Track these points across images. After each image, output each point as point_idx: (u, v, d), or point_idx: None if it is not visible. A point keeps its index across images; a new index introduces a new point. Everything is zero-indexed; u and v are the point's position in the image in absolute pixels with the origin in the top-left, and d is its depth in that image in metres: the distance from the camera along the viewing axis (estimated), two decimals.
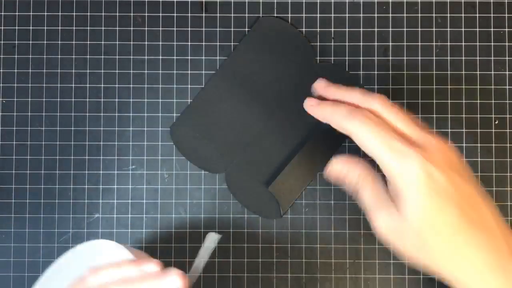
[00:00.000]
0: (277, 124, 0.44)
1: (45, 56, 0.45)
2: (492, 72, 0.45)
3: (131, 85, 0.45)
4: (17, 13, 0.45)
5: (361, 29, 0.45)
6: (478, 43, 0.45)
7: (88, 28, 0.45)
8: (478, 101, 0.45)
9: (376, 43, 0.45)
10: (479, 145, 0.44)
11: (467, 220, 0.32)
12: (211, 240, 0.38)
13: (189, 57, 0.45)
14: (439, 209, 0.32)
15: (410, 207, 0.32)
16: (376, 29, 0.45)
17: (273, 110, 0.44)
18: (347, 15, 0.45)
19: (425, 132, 0.34)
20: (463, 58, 0.45)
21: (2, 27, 0.45)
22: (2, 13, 0.45)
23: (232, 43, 0.45)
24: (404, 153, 0.32)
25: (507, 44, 0.45)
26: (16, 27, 0.45)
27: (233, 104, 0.44)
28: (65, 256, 0.38)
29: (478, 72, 0.45)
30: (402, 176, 0.32)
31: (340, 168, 0.37)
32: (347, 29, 0.45)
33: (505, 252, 0.32)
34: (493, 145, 0.44)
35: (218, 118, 0.44)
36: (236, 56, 0.45)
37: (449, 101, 0.45)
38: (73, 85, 0.45)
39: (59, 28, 0.45)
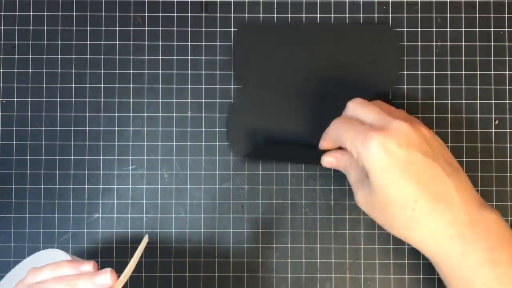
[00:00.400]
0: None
1: (45, 56, 0.45)
2: (492, 72, 0.45)
3: (131, 85, 0.45)
4: (17, 13, 0.45)
5: None
6: (478, 43, 0.45)
7: (88, 28, 0.45)
8: (478, 101, 0.45)
9: None
10: (479, 145, 0.44)
11: (424, 192, 0.35)
12: (144, 241, 0.39)
13: (189, 57, 0.45)
14: (396, 183, 0.35)
15: (373, 183, 0.36)
16: None
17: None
18: (347, 15, 0.45)
19: (389, 116, 0.36)
20: (463, 58, 0.45)
21: (2, 27, 0.45)
22: (2, 13, 0.45)
23: (232, 43, 0.45)
24: (365, 136, 0.35)
25: (507, 44, 0.45)
26: (16, 27, 0.45)
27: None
28: (14, 268, 0.41)
29: (478, 72, 0.45)
30: (365, 156, 0.35)
31: (331, 160, 0.41)
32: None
33: (465, 222, 0.34)
34: (493, 145, 0.44)
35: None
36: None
37: (449, 101, 0.45)
38: (73, 85, 0.45)
39: (59, 28, 0.45)
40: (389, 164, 0.34)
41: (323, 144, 0.41)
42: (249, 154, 0.44)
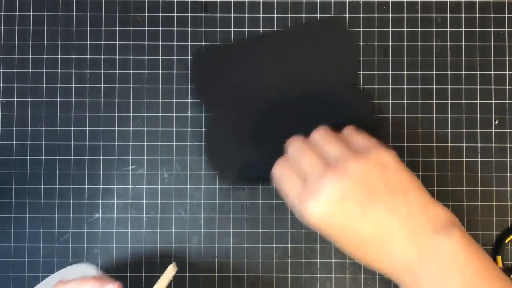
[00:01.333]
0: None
1: (45, 56, 0.45)
2: (492, 72, 0.45)
3: (131, 85, 0.45)
4: (17, 13, 0.45)
5: (361, 29, 0.45)
6: (478, 43, 0.45)
7: (88, 28, 0.45)
8: (478, 101, 0.45)
9: (376, 43, 0.45)
10: (479, 145, 0.44)
11: (367, 243, 0.35)
12: (170, 271, 0.39)
13: (189, 57, 0.45)
14: (334, 236, 0.35)
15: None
16: (376, 29, 0.45)
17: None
18: (347, 15, 0.45)
19: (342, 147, 0.36)
20: (463, 58, 0.45)
21: (2, 27, 0.45)
22: (2, 13, 0.45)
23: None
24: (300, 201, 0.36)
25: (507, 44, 0.45)
26: (16, 27, 0.45)
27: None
28: (44, 280, 0.41)
29: (478, 72, 0.45)
30: (305, 220, 0.35)
31: (277, 178, 0.39)
32: (347, 29, 0.45)
33: (414, 254, 0.34)
34: (493, 145, 0.44)
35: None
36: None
37: (449, 101, 0.45)
38: (73, 85, 0.45)
39: (59, 28, 0.45)
40: (328, 224, 0.35)
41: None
42: (235, 181, 0.44)
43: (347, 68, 0.45)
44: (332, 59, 0.44)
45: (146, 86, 0.45)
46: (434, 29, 0.45)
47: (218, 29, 0.45)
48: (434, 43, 0.45)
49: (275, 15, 0.45)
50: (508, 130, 0.44)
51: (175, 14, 0.45)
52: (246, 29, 0.45)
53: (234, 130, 0.44)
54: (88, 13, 0.45)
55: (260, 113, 0.44)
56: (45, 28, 0.45)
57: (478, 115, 0.45)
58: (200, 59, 0.45)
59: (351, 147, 0.36)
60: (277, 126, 0.44)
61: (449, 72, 0.45)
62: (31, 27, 0.45)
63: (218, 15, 0.45)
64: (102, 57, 0.45)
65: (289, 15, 0.45)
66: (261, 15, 0.45)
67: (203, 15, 0.45)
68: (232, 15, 0.45)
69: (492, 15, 0.45)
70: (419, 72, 0.45)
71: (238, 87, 0.44)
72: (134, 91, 0.45)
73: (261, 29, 0.45)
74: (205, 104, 0.45)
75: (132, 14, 0.45)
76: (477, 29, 0.45)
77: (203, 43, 0.45)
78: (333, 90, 0.44)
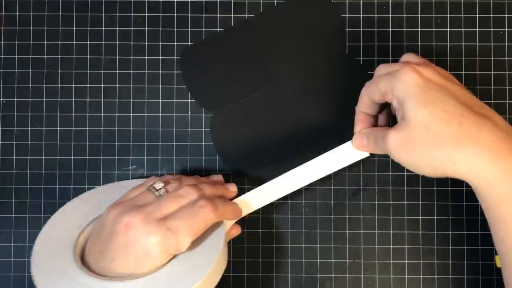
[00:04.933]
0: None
1: (45, 56, 0.45)
2: (492, 72, 0.45)
3: (131, 85, 0.45)
4: (17, 13, 0.45)
5: (361, 29, 0.45)
6: (478, 43, 0.45)
7: (88, 28, 0.45)
8: None
9: (376, 43, 0.45)
10: None
11: (468, 109, 0.34)
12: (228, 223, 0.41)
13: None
14: (438, 100, 0.34)
15: (410, 111, 0.34)
16: (376, 29, 0.45)
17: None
18: (347, 15, 0.45)
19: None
20: (463, 58, 0.45)
21: (2, 27, 0.45)
22: (2, 13, 0.45)
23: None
24: (400, 70, 0.35)
25: (507, 44, 0.45)
26: (16, 27, 0.45)
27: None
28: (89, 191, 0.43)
29: (478, 72, 0.45)
30: (401, 86, 0.35)
31: (361, 139, 0.40)
32: (347, 29, 0.45)
33: (508, 139, 0.33)
34: None
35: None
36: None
37: None
38: (73, 85, 0.45)
39: (59, 28, 0.45)
40: (427, 86, 0.34)
41: (360, 106, 0.40)
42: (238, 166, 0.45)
43: (335, 38, 0.45)
44: (319, 32, 0.45)
45: (146, 86, 0.45)
46: (434, 29, 0.45)
47: (218, 29, 0.45)
48: (434, 43, 0.45)
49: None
50: None
51: (175, 14, 0.45)
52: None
53: (237, 121, 0.45)
54: (89, 13, 0.45)
55: (259, 96, 0.45)
56: (45, 28, 0.45)
57: None
58: (188, 58, 0.45)
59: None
60: (276, 108, 0.45)
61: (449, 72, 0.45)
62: (31, 27, 0.45)
63: (218, 15, 0.45)
64: (102, 57, 0.45)
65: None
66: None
67: (203, 15, 0.45)
68: (232, 15, 0.45)
69: (492, 15, 0.45)
70: None
71: (232, 77, 0.45)
72: (134, 91, 0.45)
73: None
74: (201, 104, 0.45)
75: (132, 14, 0.45)
76: (477, 29, 0.45)
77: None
78: (325, 63, 0.45)
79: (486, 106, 0.35)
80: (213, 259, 0.36)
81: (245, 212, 0.40)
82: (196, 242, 0.36)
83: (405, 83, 0.35)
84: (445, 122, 0.33)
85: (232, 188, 0.42)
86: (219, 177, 0.43)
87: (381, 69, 0.38)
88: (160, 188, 0.38)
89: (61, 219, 0.40)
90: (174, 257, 0.36)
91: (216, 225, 0.38)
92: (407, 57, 0.38)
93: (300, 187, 0.41)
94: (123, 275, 0.35)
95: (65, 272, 0.35)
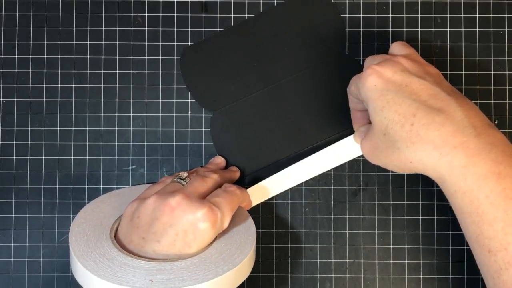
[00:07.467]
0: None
1: (45, 56, 0.45)
2: (492, 72, 0.45)
3: (131, 85, 0.45)
4: (17, 13, 0.45)
5: (361, 29, 0.45)
6: (478, 43, 0.45)
7: (88, 28, 0.45)
8: (478, 101, 0.45)
9: (376, 43, 0.45)
10: None
11: (422, 106, 0.34)
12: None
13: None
14: (393, 102, 0.35)
15: (372, 114, 0.36)
16: (376, 29, 0.45)
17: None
18: (347, 15, 0.45)
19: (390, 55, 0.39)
20: (463, 58, 0.45)
21: (2, 27, 0.45)
22: (2, 13, 0.45)
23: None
24: (363, 73, 0.37)
25: (507, 44, 0.45)
26: (16, 27, 0.45)
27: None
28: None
29: (478, 72, 0.45)
30: (362, 87, 0.36)
31: (359, 137, 0.41)
32: (347, 29, 0.45)
33: (470, 133, 0.33)
34: None
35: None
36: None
37: None
38: (73, 85, 0.45)
39: (59, 28, 0.45)
40: (384, 88, 0.35)
41: (350, 104, 0.41)
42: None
43: (335, 38, 0.45)
44: (319, 32, 0.45)
45: (146, 86, 0.45)
46: (434, 29, 0.45)
47: (218, 29, 0.45)
48: (434, 43, 0.45)
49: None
50: (508, 130, 0.44)
51: (175, 14, 0.45)
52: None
53: (238, 121, 0.45)
54: (89, 13, 0.45)
55: (259, 96, 0.45)
56: (45, 28, 0.45)
57: None
58: (188, 58, 0.45)
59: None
60: (276, 108, 0.45)
61: (449, 72, 0.45)
62: (31, 27, 0.45)
63: (218, 15, 0.45)
64: (102, 57, 0.45)
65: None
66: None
67: (203, 15, 0.45)
68: (232, 15, 0.45)
69: (492, 15, 0.45)
70: None
71: (232, 77, 0.45)
72: (134, 91, 0.45)
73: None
74: (201, 104, 0.45)
75: (132, 14, 0.45)
76: (477, 29, 0.45)
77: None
78: (325, 63, 0.45)
79: (447, 96, 0.35)
80: (253, 235, 0.39)
81: (255, 202, 0.43)
82: (230, 225, 0.38)
83: (366, 86, 0.36)
84: (398, 125, 0.34)
85: (234, 168, 0.44)
86: (220, 159, 0.44)
87: (368, 62, 0.39)
88: (186, 177, 0.39)
89: (94, 210, 0.41)
90: (214, 240, 0.37)
91: (238, 210, 0.40)
92: (393, 47, 0.40)
93: (313, 175, 0.43)
94: (170, 256, 0.36)
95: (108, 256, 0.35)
